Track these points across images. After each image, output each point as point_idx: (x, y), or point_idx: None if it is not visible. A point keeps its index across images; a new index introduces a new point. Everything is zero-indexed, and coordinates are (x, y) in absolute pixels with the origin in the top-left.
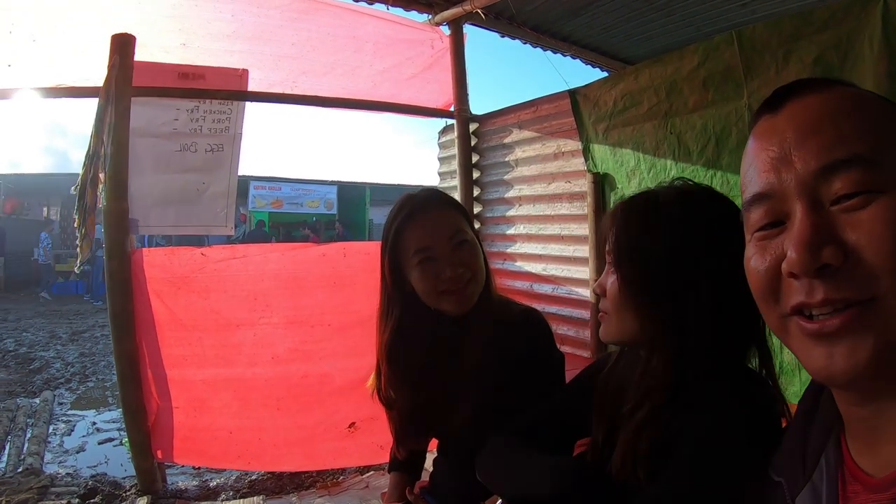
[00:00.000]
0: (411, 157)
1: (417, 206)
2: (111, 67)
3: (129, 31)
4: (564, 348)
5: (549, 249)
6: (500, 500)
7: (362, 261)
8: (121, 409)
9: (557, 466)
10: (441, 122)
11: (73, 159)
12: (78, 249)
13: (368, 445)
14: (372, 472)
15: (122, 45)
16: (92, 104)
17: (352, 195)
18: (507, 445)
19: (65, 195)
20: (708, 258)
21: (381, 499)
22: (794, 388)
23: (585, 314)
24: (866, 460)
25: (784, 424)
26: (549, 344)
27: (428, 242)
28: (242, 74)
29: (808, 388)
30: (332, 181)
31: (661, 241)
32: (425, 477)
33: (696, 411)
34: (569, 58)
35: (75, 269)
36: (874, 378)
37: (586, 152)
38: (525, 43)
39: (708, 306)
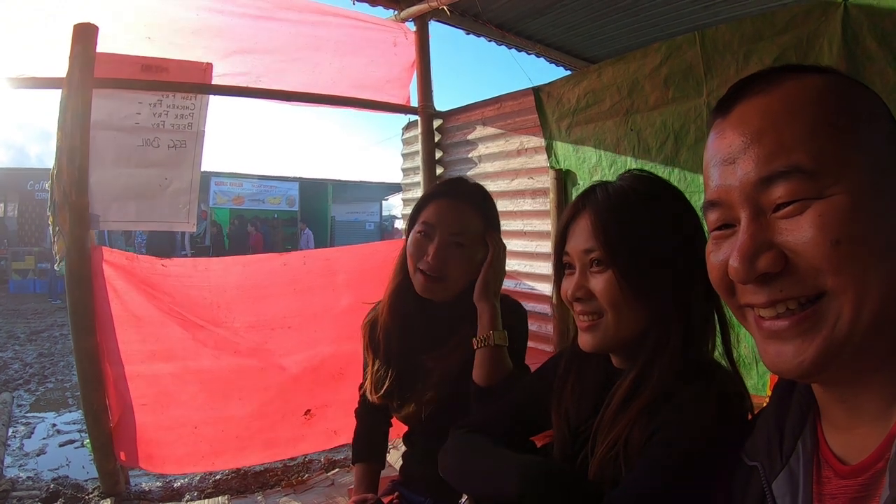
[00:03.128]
0: (363, 155)
1: (454, 189)
2: (73, 57)
3: (92, 22)
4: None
5: (511, 245)
6: (465, 499)
7: (321, 266)
8: (82, 410)
9: (525, 465)
10: (404, 119)
11: (31, 154)
12: (54, 248)
13: (324, 432)
14: (337, 470)
15: (85, 34)
16: (51, 97)
17: (314, 192)
18: (470, 442)
19: (22, 191)
20: (681, 242)
21: (347, 495)
22: (751, 381)
23: (547, 309)
24: (840, 446)
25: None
26: (518, 319)
27: (434, 220)
28: (206, 68)
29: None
30: (294, 178)
31: (650, 231)
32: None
33: (675, 408)
34: (533, 56)
35: (55, 268)
36: (822, 373)
37: (549, 149)
38: (490, 40)
39: (703, 292)
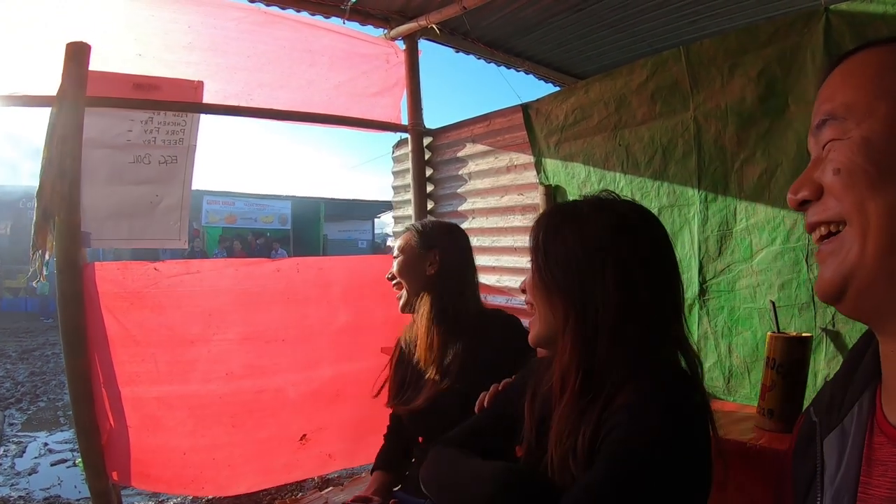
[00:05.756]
0: (354, 174)
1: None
2: (65, 76)
3: (84, 40)
4: None
5: (502, 261)
6: None
7: (315, 276)
8: (74, 429)
9: (492, 472)
10: (394, 138)
11: (24, 171)
12: (32, 267)
13: (319, 456)
14: (331, 489)
15: (77, 53)
16: (44, 113)
17: (306, 210)
18: (443, 456)
19: (14, 209)
20: (611, 254)
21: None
22: (744, 390)
23: None
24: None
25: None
26: (519, 334)
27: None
28: (198, 86)
29: (860, 338)
30: (286, 196)
31: (568, 237)
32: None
33: (624, 401)
34: (522, 73)
35: (34, 284)
36: (841, 297)
37: (538, 165)
38: (479, 58)
39: (611, 299)
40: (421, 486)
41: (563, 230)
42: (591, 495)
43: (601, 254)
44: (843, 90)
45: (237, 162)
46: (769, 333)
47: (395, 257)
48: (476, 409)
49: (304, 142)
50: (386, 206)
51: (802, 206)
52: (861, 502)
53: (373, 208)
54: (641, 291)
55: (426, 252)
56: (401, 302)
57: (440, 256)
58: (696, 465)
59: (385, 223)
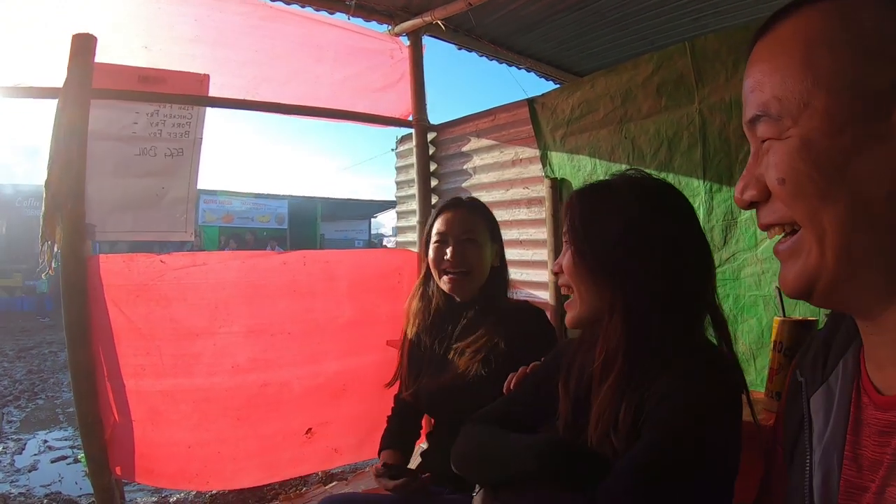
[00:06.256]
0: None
1: (452, 202)
2: (71, 68)
3: (90, 32)
4: None
5: (507, 254)
6: (478, 489)
7: (321, 269)
8: (74, 425)
9: (537, 444)
10: (391, 139)
11: (19, 171)
12: (41, 259)
13: (324, 450)
14: (335, 483)
15: (83, 45)
16: (40, 113)
17: (303, 210)
18: (482, 432)
19: (10, 208)
20: (654, 234)
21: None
22: (750, 377)
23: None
24: (880, 379)
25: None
26: (545, 323)
27: (445, 228)
28: (203, 80)
29: None
30: (283, 196)
31: (609, 217)
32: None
33: (669, 377)
34: (523, 70)
35: (43, 277)
36: (809, 297)
37: (544, 159)
38: (481, 55)
39: (657, 277)
40: (453, 462)
41: (601, 210)
42: (650, 456)
43: (644, 232)
44: (772, 77)
45: (235, 161)
46: (776, 318)
47: (463, 240)
48: (504, 391)
49: (296, 145)
50: (382, 206)
51: (751, 206)
52: (849, 461)
53: (369, 208)
54: (684, 268)
55: (492, 244)
56: (464, 282)
57: (500, 252)
58: (737, 440)
59: (381, 223)
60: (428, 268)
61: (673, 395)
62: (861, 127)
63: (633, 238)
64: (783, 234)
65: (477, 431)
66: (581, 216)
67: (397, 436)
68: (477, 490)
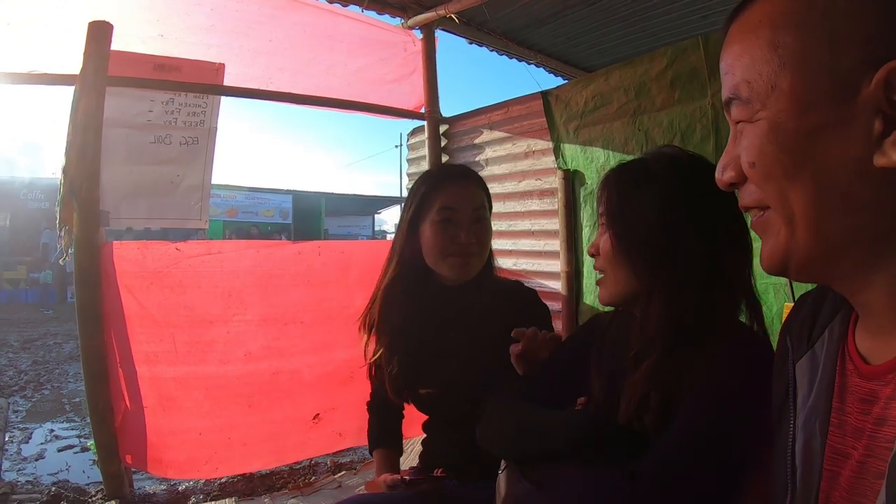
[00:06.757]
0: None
1: (457, 172)
2: (87, 55)
3: (106, 20)
4: None
5: (519, 245)
6: (503, 468)
7: (336, 259)
8: (80, 415)
9: (570, 420)
10: (396, 136)
11: (21, 165)
12: (60, 244)
13: (329, 435)
14: (344, 472)
15: (99, 33)
16: (41, 107)
17: (307, 204)
18: (509, 407)
19: (14, 201)
20: (693, 214)
21: (365, 488)
22: None
23: (556, 306)
24: (865, 345)
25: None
26: (541, 304)
27: (455, 205)
28: (219, 69)
29: None
30: (287, 190)
31: (648, 197)
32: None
33: (706, 356)
34: (533, 65)
35: (60, 262)
36: (783, 273)
37: (557, 150)
38: (492, 50)
39: (696, 258)
40: (479, 437)
41: (638, 190)
42: (688, 434)
43: (684, 211)
44: (742, 59)
45: (239, 155)
46: (786, 304)
47: (476, 219)
48: (513, 358)
49: (296, 140)
50: (385, 202)
51: (731, 186)
52: (834, 427)
53: (372, 204)
54: (723, 247)
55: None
56: (476, 265)
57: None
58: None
59: (384, 220)
60: (403, 250)
61: (708, 380)
62: (827, 108)
63: (673, 219)
64: (756, 215)
65: (507, 406)
66: (618, 198)
67: (384, 430)
68: (502, 468)
